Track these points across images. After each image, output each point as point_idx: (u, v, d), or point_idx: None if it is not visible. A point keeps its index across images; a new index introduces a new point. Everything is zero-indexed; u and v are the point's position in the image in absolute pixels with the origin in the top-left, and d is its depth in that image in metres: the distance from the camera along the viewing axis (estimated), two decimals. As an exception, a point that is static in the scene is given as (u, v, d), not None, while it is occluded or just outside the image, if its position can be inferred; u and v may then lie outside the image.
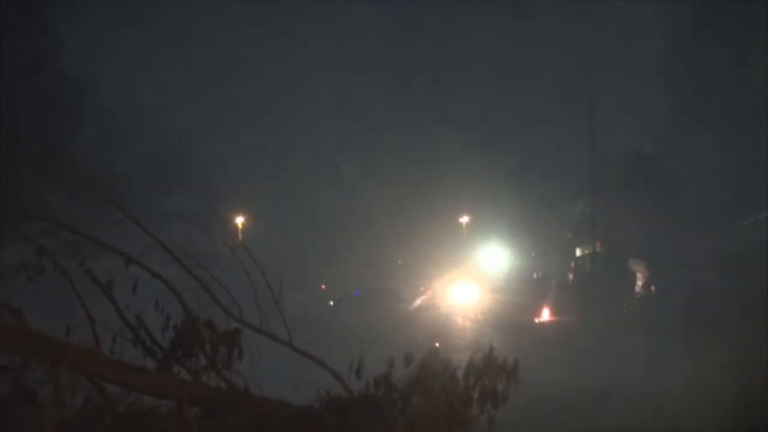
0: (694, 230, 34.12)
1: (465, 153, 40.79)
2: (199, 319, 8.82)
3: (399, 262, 45.73)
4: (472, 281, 42.97)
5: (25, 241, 8.93)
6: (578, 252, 45.64)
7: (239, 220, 41.14)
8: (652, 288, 34.44)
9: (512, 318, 36.61)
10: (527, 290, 40.56)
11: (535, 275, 42.15)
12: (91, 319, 8.40)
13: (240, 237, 39.66)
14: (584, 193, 43.04)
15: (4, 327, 7.69)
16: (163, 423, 7.81)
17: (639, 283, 37.50)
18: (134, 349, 8.68)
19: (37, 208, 9.24)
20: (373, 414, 8.53)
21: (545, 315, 39.40)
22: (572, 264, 44.80)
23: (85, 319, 8.67)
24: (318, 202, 40.85)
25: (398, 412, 8.49)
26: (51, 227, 9.15)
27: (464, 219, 47.40)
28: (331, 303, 43.09)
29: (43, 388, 7.57)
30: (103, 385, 8.34)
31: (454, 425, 8.43)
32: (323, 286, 44.21)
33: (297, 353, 9.20)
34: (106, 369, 8.20)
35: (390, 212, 43.34)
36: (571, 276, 41.78)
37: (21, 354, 7.56)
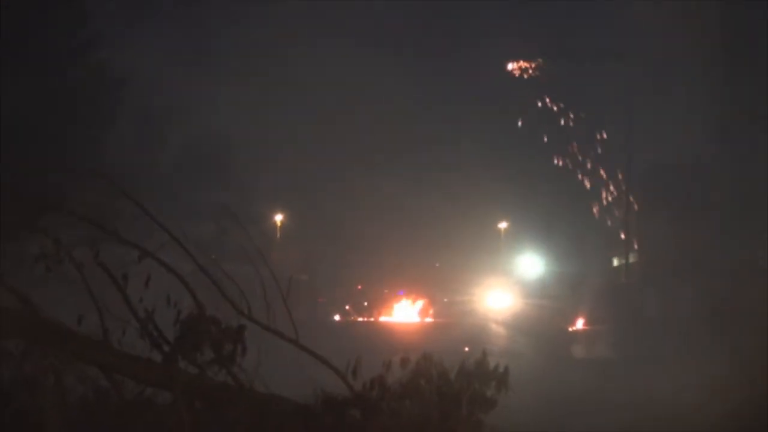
0: (727, 242, 33.88)
1: (503, 160, 40.77)
2: (205, 314, 8.96)
3: (437, 264, 45.83)
4: (508, 287, 43.02)
5: (43, 233, 9.09)
6: (615, 262, 45.45)
7: (278, 218, 41.39)
8: (679, 298, 34.24)
9: (546, 325, 36.62)
10: (562, 298, 40.50)
11: (571, 283, 42.00)
12: (100, 309, 8.57)
13: (278, 234, 39.91)
14: (621, 203, 42.87)
15: (12, 312, 7.89)
16: (161, 414, 7.99)
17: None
18: (142, 342, 8.79)
19: (59, 200, 9.41)
20: (367, 414, 8.67)
21: (579, 323, 39.31)
22: (608, 273, 44.58)
23: (98, 309, 8.83)
24: (357, 204, 40.99)
25: (392, 414, 8.62)
26: (70, 219, 9.31)
27: (502, 225, 47.39)
28: (365, 303, 43.29)
29: (46, 374, 7.75)
30: (109, 375, 8.53)
31: (446, 428, 8.55)
32: (360, 287, 44.45)
33: (302, 351, 9.30)
34: (111, 358, 8.39)
35: (429, 217, 43.42)
36: (606, 285, 41.58)
37: (26, 340, 7.77)
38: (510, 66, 41.62)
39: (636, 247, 42.83)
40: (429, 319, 42.83)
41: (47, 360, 7.78)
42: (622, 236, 42.45)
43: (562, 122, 43.83)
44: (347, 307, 41.96)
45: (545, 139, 43.82)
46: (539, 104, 43.21)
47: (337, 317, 40.53)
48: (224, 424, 8.61)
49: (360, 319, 42.24)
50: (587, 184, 43.83)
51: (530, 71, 42.34)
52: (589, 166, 43.34)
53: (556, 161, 43.73)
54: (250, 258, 9.59)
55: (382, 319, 42.41)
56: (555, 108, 42.82)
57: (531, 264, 45.10)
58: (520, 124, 43.13)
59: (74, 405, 7.93)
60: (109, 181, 9.49)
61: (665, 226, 38.72)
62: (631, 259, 43.36)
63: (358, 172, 41.49)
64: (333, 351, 9.45)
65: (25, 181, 9.59)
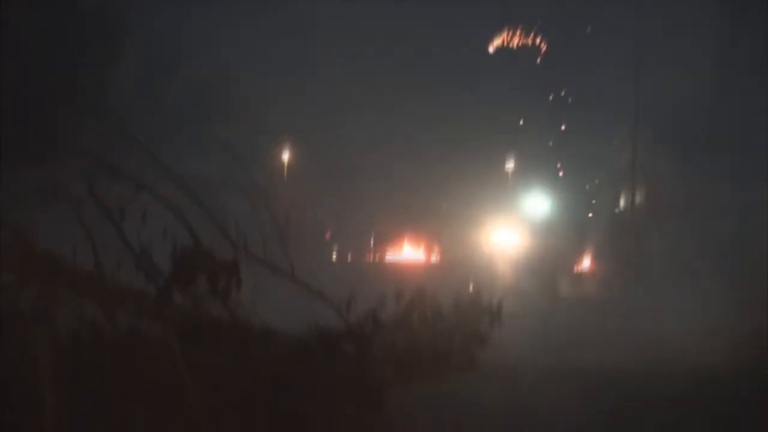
0: (735, 182, 33.63)
1: (509, 94, 40.37)
2: (201, 247, 8.88)
3: (444, 204, 45.67)
4: (514, 227, 42.94)
5: (41, 167, 9.03)
6: (621, 202, 45.24)
7: (286, 156, 41.12)
8: (683, 239, 34.10)
9: (551, 265, 36.56)
10: (568, 237, 40.40)
11: (576, 223, 41.80)
12: (94, 243, 8.52)
13: (285, 173, 39.77)
14: (630, 142, 42.60)
15: (5, 245, 7.84)
16: (154, 347, 7.98)
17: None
18: (137, 276, 8.77)
19: (58, 134, 9.35)
20: (361, 348, 8.68)
21: (585, 264, 39.28)
22: (614, 213, 44.35)
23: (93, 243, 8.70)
24: (368, 144, 40.72)
25: (385, 348, 8.62)
26: (68, 153, 9.23)
27: (509, 162, 47.20)
28: (371, 242, 43.24)
29: (39, 308, 7.71)
30: (103, 308, 8.50)
31: (439, 363, 8.56)
32: (366, 226, 44.31)
33: (298, 285, 9.30)
34: (104, 292, 8.35)
35: (437, 158, 43.19)
36: (611, 225, 41.42)
37: (20, 273, 7.71)
38: (499, 40, 41.32)
39: (643, 186, 42.63)
40: (434, 259, 42.77)
41: (40, 293, 7.74)
42: (630, 176, 42.23)
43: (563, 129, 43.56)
44: (349, 249, 41.86)
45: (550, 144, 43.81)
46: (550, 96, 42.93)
47: (338, 256, 40.42)
48: (219, 357, 8.58)
49: (365, 258, 42.17)
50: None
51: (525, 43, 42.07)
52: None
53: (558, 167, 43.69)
54: (251, 194, 9.49)
55: (388, 258, 42.32)
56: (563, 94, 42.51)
57: (537, 204, 44.91)
58: (522, 122, 43.00)
59: (67, 338, 7.90)
60: (108, 116, 9.40)
61: (672, 165, 38.50)
62: (638, 198, 43.20)
63: (368, 110, 41.22)
64: (332, 289, 9.44)
65: (25, 116, 9.49)
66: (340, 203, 42.54)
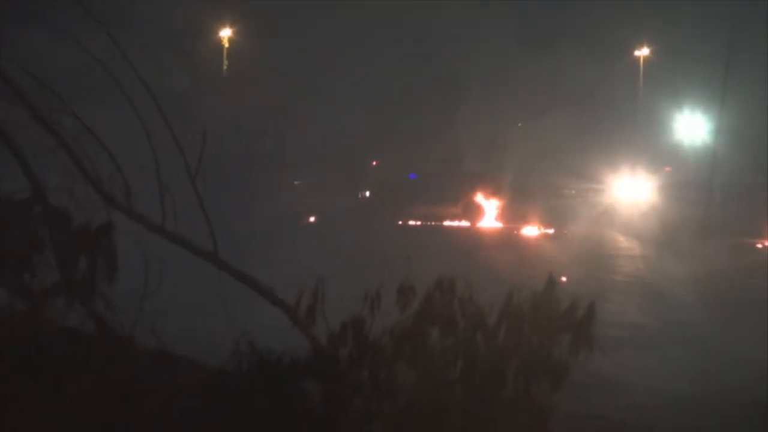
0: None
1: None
2: (44, 201, 5.89)
3: (519, 124, 35.17)
4: (649, 173, 33.73)
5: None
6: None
7: (225, 35, 31.27)
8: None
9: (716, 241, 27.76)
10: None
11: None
12: None
13: (225, 65, 31.92)
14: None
15: None
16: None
17: None
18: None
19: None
20: (329, 391, 5.35)
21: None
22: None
23: None
24: (360, 19, 30.73)
25: (375, 393, 5.26)
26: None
27: (642, 52, 40.75)
28: (378, 192, 32.12)
29: None
30: None
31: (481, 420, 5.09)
32: (375, 162, 33.02)
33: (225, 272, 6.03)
34: None
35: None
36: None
37: None
38: None
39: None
40: (495, 224, 30.07)
41: None
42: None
43: None
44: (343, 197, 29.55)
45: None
46: None
47: (312, 218, 27.51)
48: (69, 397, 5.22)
49: (370, 213, 29.26)
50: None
51: None
52: None
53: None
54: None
55: (404, 221, 29.96)
56: None
57: (697, 129, 33.06)
58: None
59: None
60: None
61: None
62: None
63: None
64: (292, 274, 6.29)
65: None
66: (324, 124, 29.20)
